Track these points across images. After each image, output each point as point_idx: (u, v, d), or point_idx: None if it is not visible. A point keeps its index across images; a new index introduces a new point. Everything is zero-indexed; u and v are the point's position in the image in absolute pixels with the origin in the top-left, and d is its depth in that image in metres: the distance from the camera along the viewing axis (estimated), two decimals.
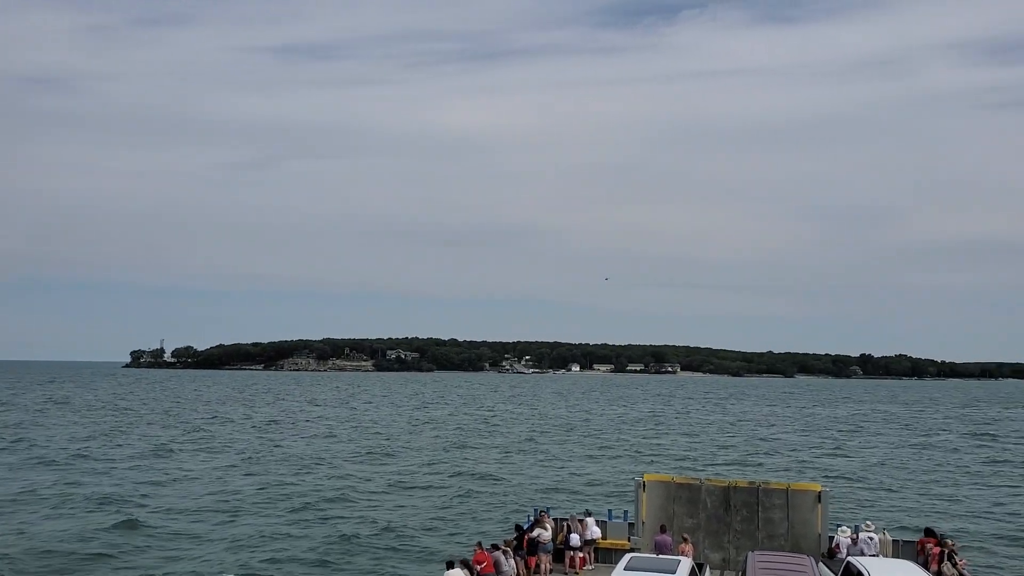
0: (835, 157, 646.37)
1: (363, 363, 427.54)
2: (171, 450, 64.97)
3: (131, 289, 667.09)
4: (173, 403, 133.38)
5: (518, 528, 24.99)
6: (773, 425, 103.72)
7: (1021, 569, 32.24)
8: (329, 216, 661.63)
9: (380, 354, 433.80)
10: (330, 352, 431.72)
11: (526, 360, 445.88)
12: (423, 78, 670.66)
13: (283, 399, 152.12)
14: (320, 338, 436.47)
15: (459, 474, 54.35)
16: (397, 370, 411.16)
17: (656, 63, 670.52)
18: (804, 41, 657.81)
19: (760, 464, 62.67)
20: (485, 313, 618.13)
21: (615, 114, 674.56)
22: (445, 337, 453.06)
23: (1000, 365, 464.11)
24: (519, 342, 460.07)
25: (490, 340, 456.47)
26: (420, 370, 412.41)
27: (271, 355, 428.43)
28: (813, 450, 74.22)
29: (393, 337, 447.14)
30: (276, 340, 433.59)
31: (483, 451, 68.91)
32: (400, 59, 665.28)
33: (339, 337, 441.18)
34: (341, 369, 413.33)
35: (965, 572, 22.05)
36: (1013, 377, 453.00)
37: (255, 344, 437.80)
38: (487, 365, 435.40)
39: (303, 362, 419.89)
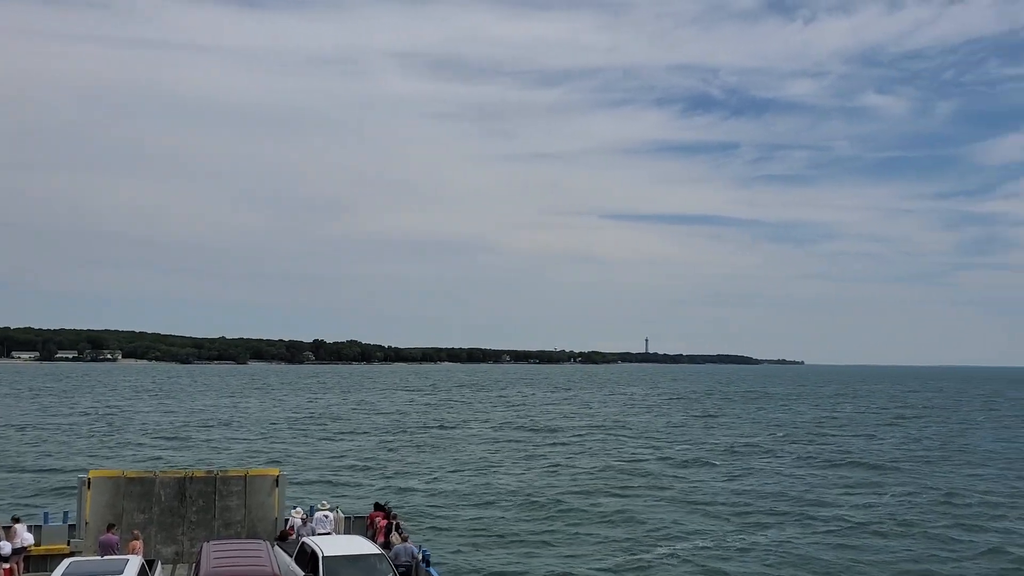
0: (291, 147, 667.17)
1: None
2: None
3: None
4: None
5: None
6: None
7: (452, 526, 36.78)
8: None
9: None
10: None
11: None
12: None
13: None
14: None
15: None
16: None
17: (108, 24, 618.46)
18: (269, 27, 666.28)
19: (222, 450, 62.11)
20: None
21: (49, 71, 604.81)
22: None
23: (439, 350, 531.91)
24: None
25: None
26: None
27: None
28: (275, 437, 75.63)
29: None
30: None
31: None
32: None
33: None
34: None
35: (408, 539, 24.11)
36: (449, 360, 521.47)
37: None
38: None
39: None
